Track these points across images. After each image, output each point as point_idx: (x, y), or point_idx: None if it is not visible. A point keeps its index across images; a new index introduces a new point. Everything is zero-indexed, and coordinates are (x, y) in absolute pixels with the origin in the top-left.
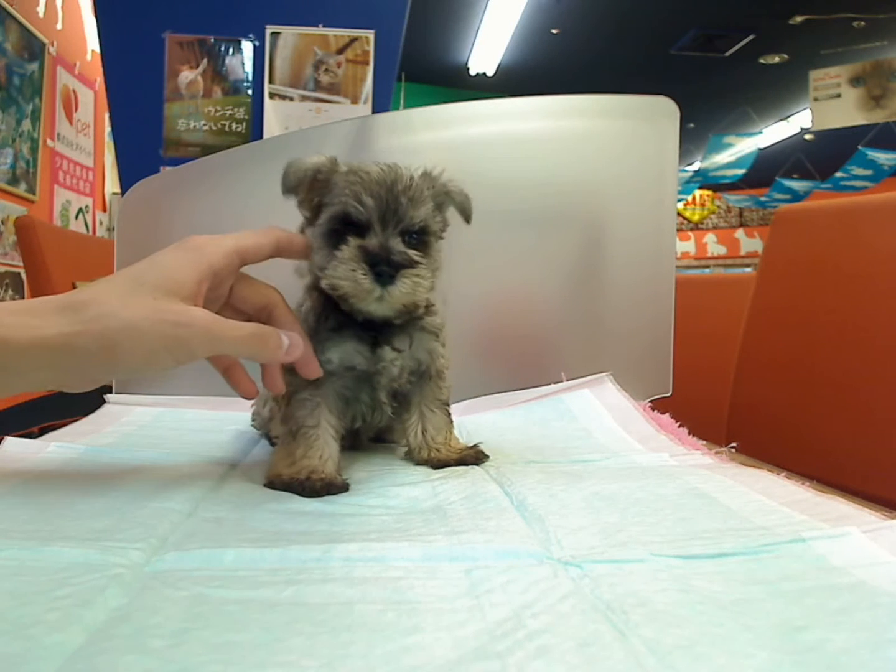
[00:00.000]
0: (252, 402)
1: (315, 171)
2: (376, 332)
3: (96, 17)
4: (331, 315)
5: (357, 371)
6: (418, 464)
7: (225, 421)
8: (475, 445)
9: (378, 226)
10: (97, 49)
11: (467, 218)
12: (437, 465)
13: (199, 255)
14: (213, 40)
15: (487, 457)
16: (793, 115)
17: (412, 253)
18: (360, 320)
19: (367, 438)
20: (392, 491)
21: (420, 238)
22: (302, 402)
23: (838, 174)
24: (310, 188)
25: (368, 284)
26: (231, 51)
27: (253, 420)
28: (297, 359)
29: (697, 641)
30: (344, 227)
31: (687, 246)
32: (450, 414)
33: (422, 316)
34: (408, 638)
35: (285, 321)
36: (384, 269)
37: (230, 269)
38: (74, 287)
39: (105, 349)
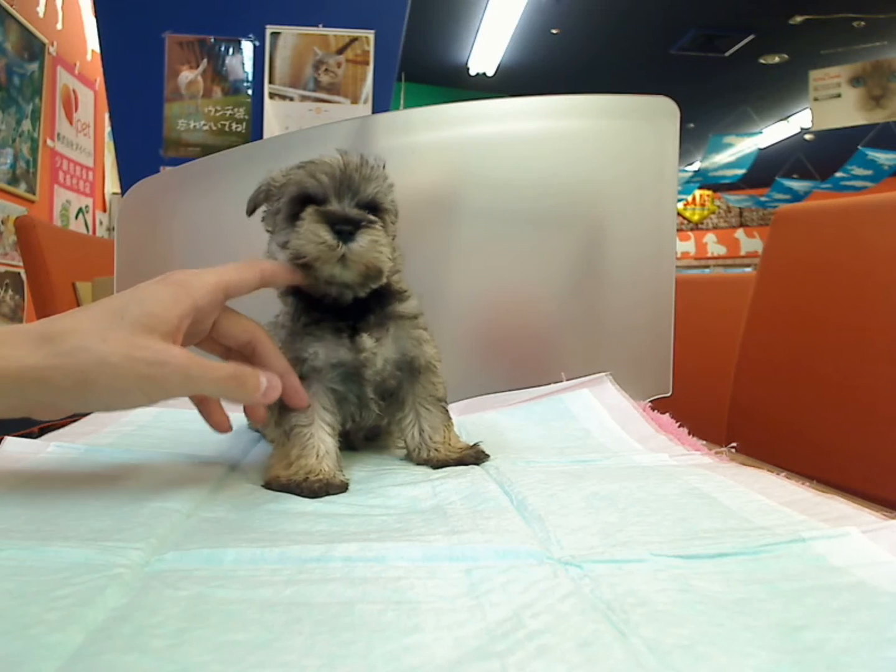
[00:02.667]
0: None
1: (268, 184)
2: (353, 320)
3: (96, 17)
4: (304, 314)
5: (343, 368)
6: (418, 464)
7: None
8: (475, 444)
9: (334, 198)
10: (97, 49)
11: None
12: (437, 465)
13: (183, 290)
14: (213, 40)
15: (488, 456)
16: (793, 115)
17: (369, 216)
18: (331, 303)
19: (361, 438)
20: (392, 491)
21: (375, 212)
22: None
23: (838, 174)
24: (267, 199)
25: (331, 240)
26: (231, 51)
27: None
28: (274, 400)
29: (697, 641)
30: (302, 206)
31: (687, 246)
32: (447, 411)
33: (392, 301)
34: (408, 638)
35: (268, 358)
36: (343, 226)
37: (214, 304)
38: (74, 287)
39: (78, 384)
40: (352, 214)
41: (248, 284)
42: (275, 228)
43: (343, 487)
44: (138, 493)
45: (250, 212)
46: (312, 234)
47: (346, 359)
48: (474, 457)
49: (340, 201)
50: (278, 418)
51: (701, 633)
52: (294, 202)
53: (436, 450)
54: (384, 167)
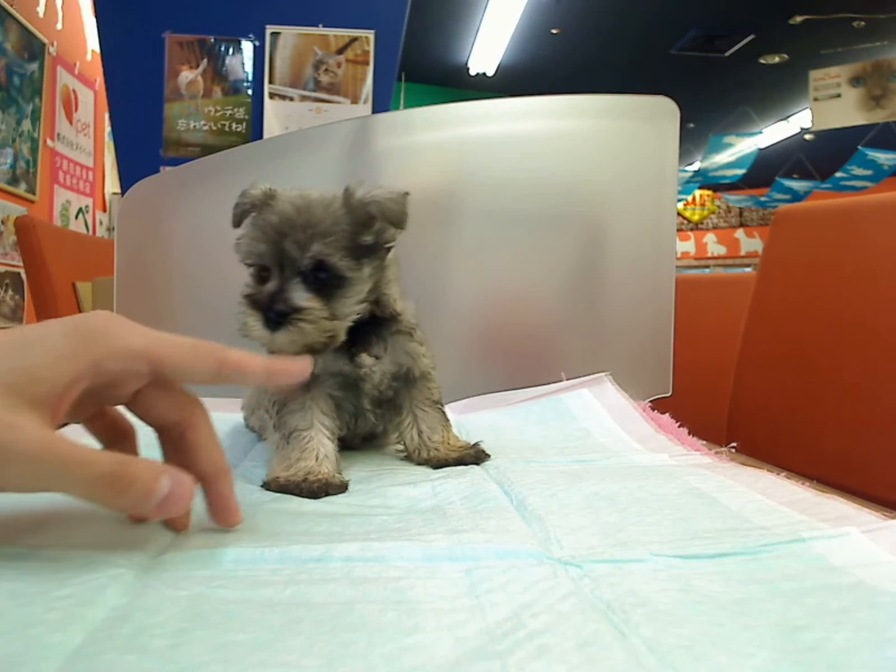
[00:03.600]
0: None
1: (251, 204)
2: (350, 341)
3: (96, 17)
4: None
5: (342, 377)
6: (418, 464)
7: (224, 421)
8: (476, 444)
9: (276, 270)
10: (97, 49)
11: (395, 223)
12: (437, 464)
13: (89, 345)
14: (213, 40)
15: (488, 456)
16: (793, 115)
17: (304, 298)
18: None
19: (359, 439)
20: (392, 491)
21: (327, 275)
22: (292, 410)
23: (838, 174)
24: (244, 217)
25: (260, 331)
26: (231, 51)
27: (246, 421)
28: (177, 515)
29: (697, 641)
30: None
31: (687, 246)
32: (444, 412)
33: (387, 322)
34: (408, 638)
35: (197, 450)
36: (271, 315)
37: (128, 374)
38: (74, 287)
39: None
40: (278, 306)
41: (196, 373)
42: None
43: (342, 488)
44: None
45: (237, 226)
46: (243, 323)
47: (346, 370)
48: (474, 456)
49: (282, 272)
50: (277, 422)
51: (701, 633)
52: (248, 266)
53: (436, 449)
54: (352, 192)
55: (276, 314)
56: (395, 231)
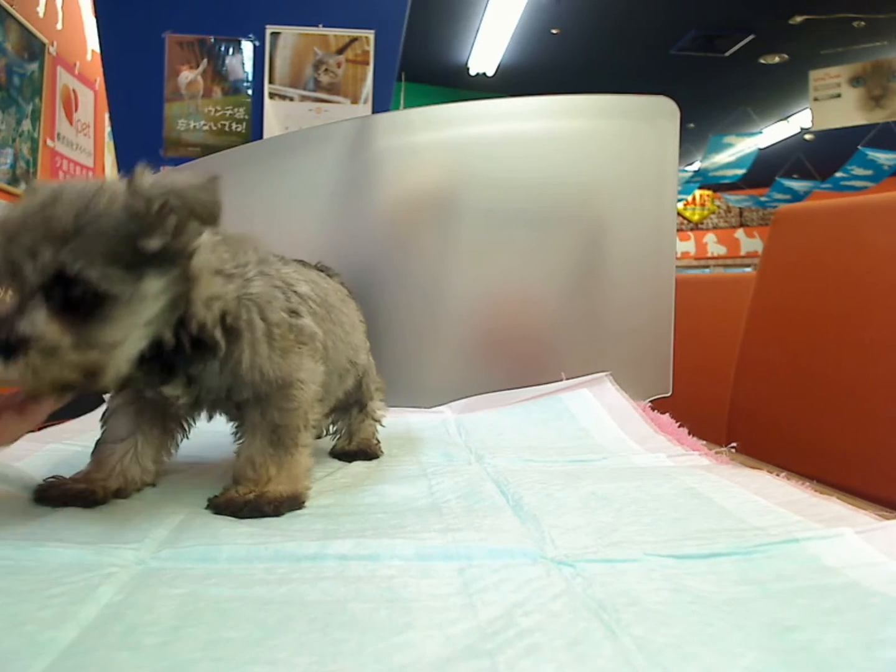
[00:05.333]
0: None
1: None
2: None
3: (96, 17)
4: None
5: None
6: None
7: (221, 420)
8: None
9: (13, 285)
10: (97, 49)
11: (204, 218)
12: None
13: None
14: (213, 40)
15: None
16: (793, 115)
17: (39, 322)
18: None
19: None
20: (388, 489)
21: (82, 292)
22: None
23: (838, 174)
24: None
25: None
26: (231, 51)
27: None
28: None
29: (687, 640)
30: None
31: (687, 246)
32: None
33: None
34: (399, 636)
35: None
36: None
37: None
38: None
39: None
40: (2, 335)
41: None
42: None
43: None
44: (134, 494)
45: None
46: None
47: (153, 397)
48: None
49: (19, 289)
50: None
51: (691, 633)
52: None
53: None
54: (139, 184)
55: (2, 343)
56: (199, 229)
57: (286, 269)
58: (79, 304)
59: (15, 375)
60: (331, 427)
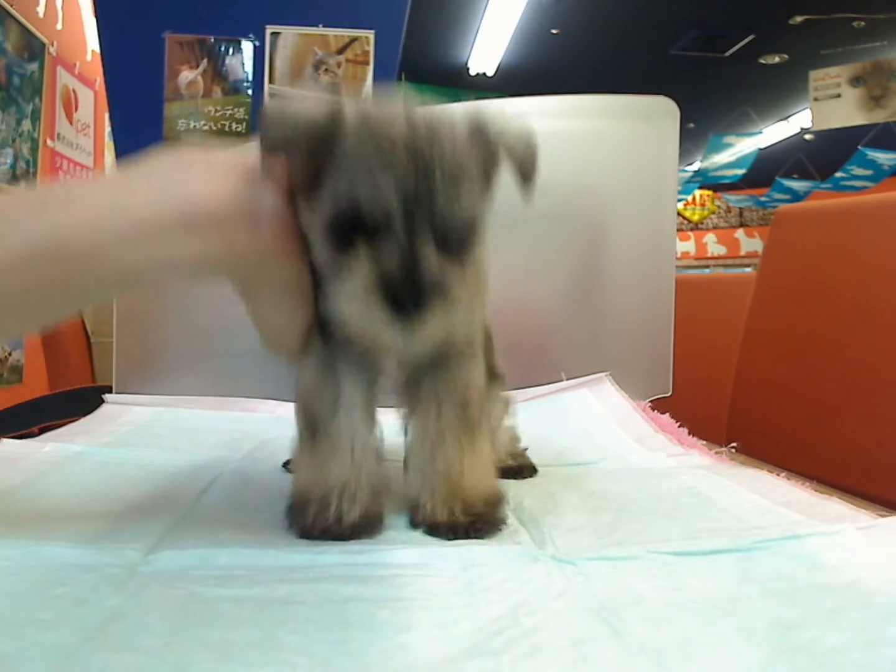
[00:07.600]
0: None
1: (311, 127)
2: None
3: (96, 17)
4: None
5: None
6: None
7: (222, 420)
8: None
9: (400, 226)
10: (97, 49)
11: (527, 177)
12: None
13: None
14: (213, 40)
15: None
16: (793, 115)
17: (442, 269)
18: None
19: None
20: None
21: (462, 241)
22: None
23: (838, 174)
24: (307, 149)
25: (384, 324)
26: (231, 51)
27: None
28: None
29: (689, 640)
30: (349, 229)
31: (687, 246)
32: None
33: None
34: (402, 636)
35: None
36: (408, 303)
37: None
38: None
39: None
40: (425, 283)
41: None
42: (310, 230)
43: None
44: (134, 493)
45: (273, 150)
46: (358, 312)
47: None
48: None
49: (410, 233)
50: None
51: (693, 632)
52: (339, 217)
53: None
54: (483, 123)
55: (416, 296)
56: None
57: None
58: (458, 253)
59: (424, 331)
60: None
